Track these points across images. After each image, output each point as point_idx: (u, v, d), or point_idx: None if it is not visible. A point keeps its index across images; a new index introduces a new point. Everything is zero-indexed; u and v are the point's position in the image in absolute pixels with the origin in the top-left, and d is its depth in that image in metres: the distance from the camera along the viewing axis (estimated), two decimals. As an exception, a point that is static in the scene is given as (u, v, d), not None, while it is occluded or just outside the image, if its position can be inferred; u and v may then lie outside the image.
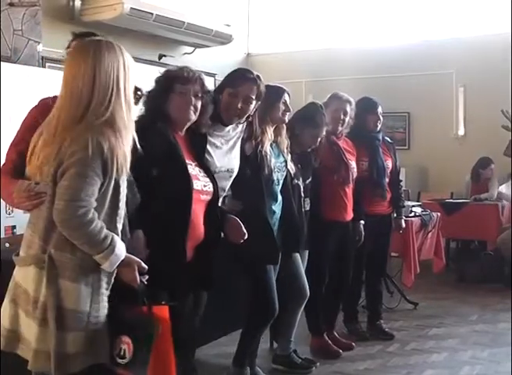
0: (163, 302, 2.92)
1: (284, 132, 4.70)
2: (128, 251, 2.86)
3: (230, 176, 4.13)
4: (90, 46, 2.86)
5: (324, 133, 5.12)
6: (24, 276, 2.81)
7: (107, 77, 2.77)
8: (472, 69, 10.10)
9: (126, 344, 2.80)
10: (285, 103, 4.61)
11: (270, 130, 4.52)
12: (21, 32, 7.45)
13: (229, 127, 4.16)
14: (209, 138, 3.98)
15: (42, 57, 7.76)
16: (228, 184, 4.13)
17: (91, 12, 8.71)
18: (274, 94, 4.56)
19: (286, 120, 4.67)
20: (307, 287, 4.99)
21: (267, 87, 4.47)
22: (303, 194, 4.99)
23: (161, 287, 3.23)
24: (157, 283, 3.07)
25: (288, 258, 4.74)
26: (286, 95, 4.65)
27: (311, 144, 5.08)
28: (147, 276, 2.92)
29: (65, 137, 2.71)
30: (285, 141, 4.72)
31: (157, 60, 9.68)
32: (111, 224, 2.79)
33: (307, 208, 5.07)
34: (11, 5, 7.31)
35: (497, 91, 9.77)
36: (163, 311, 2.88)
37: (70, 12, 8.73)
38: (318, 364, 5.19)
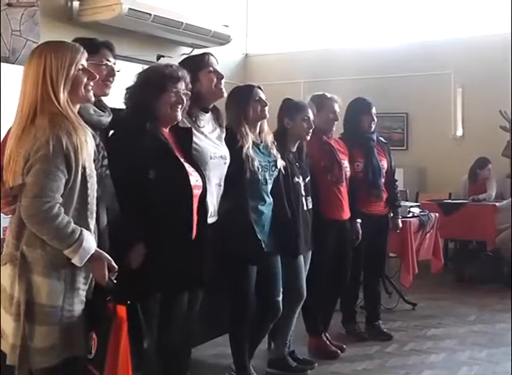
0: (128, 302, 2.95)
1: (266, 126, 4.66)
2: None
3: (225, 164, 4.12)
4: (36, 48, 2.95)
5: (312, 115, 5.10)
6: (2, 274, 2.88)
7: (51, 73, 2.83)
8: (470, 70, 10.11)
9: (93, 340, 2.88)
10: (258, 100, 4.53)
11: (250, 132, 4.48)
12: (19, 32, 7.45)
13: (209, 114, 4.16)
14: (197, 129, 4.00)
15: (40, 57, 7.74)
16: (223, 174, 4.10)
17: (89, 12, 8.70)
18: (243, 94, 4.52)
19: (266, 115, 4.60)
20: (305, 289, 4.98)
21: (236, 88, 4.49)
22: (304, 193, 4.98)
23: (157, 285, 3.25)
24: (153, 282, 3.08)
25: (288, 260, 4.74)
26: (257, 92, 4.57)
27: (307, 129, 5.01)
28: (115, 274, 2.94)
29: (24, 136, 2.80)
30: (269, 135, 4.67)
31: (155, 61, 9.66)
32: (81, 220, 2.84)
33: (310, 206, 5.05)
34: (9, 5, 7.31)
35: (495, 91, 9.78)
36: (121, 310, 2.90)
37: (68, 13, 8.73)
38: (315, 365, 5.17)
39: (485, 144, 9.69)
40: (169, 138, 3.62)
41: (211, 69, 4.13)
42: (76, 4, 8.77)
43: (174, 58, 9.99)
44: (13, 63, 7.22)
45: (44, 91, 2.81)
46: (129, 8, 8.59)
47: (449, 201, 9.44)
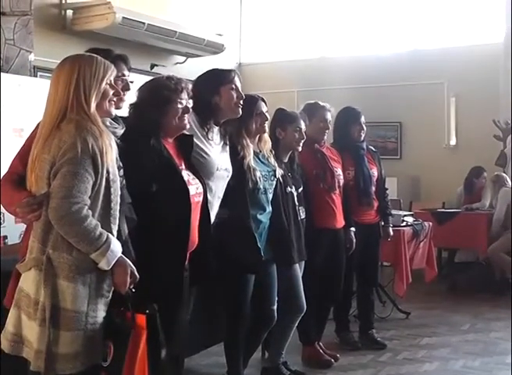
0: (147, 311, 2.94)
1: (265, 135, 4.65)
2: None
3: (227, 176, 4.13)
4: (67, 59, 3.00)
5: (304, 126, 5.10)
6: (25, 280, 2.88)
7: (85, 82, 2.89)
8: (464, 79, 10.14)
9: (108, 348, 2.87)
10: (260, 114, 4.52)
11: (251, 143, 4.48)
12: (13, 41, 7.44)
13: (218, 128, 4.17)
14: (207, 139, 4.02)
15: (34, 66, 7.75)
16: (224, 186, 4.11)
17: (83, 21, 8.72)
18: (246, 106, 4.38)
19: (266, 130, 4.61)
20: (304, 301, 4.95)
21: None
22: (297, 203, 4.97)
23: (158, 296, 3.24)
24: (152, 294, 3.08)
25: (284, 270, 4.74)
26: (260, 105, 4.54)
27: (299, 140, 5.02)
28: (132, 285, 2.95)
29: (49, 140, 2.83)
30: (267, 144, 4.67)
31: (149, 70, 9.68)
32: (104, 225, 2.86)
33: (303, 216, 5.05)
34: (2, 14, 7.30)
35: (489, 101, 9.80)
36: (140, 319, 2.90)
37: (62, 22, 8.76)
38: None
39: (478, 154, 9.71)
40: (171, 147, 3.64)
41: (234, 86, 4.15)
42: (69, 13, 8.80)
43: (168, 67, 10.04)
44: (7, 72, 7.21)
45: (75, 97, 2.86)
46: (123, 17, 8.62)
47: (443, 210, 9.45)
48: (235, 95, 4.14)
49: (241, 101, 4.16)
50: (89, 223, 2.76)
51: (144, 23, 8.91)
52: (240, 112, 4.18)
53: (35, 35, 7.73)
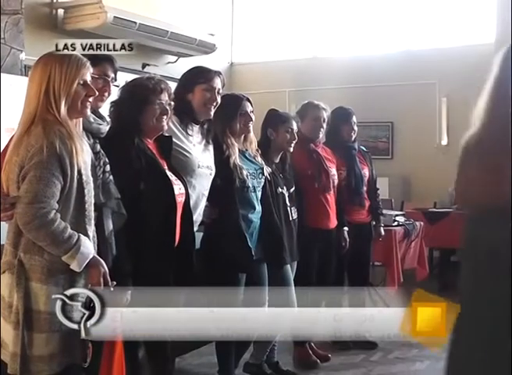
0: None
1: (250, 134, 4.64)
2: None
3: (210, 174, 4.13)
4: (41, 59, 3.00)
5: (295, 127, 5.09)
6: (1, 283, 2.88)
7: (54, 85, 2.87)
8: (455, 80, 10.13)
9: (88, 348, 2.87)
10: (244, 114, 4.50)
11: (236, 142, 4.47)
12: (3, 40, 7.42)
13: (198, 126, 4.16)
14: (186, 137, 4.04)
15: (25, 66, 7.72)
16: (208, 184, 4.10)
17: (74, 20, 8.70)
18: (231, 106, 4.43)
19: (250, 130, 4.59)
20: (294, 301, 4.94)
21: (223, 97, 4.35)
22: (288, 203, 4.96)
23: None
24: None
25: (274, 270, 4.72)
26: (244, 105, 4.53)
27: (290, 140, 5.02)
28: (115, 283, 2.94)
29: (20, 144, 2.84)
30: (253, 144, 4.67)
31: (140, 69, 9.66)
32: (79, 227, 2.86)
33: (295, 216, 5.04)
34: (-7, 12, 7.29)
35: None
36: None
37: (53, 21, 8.72)
38: None
39: (469, 154, 9.71)
40: (153, 148, 3.66)
41: (209, 87, 4.12)
42: (60, 12, 8.77)
43: (159, 66, 10.02)
44: (-3, 71, 7.19)
45: (45, 101, 2.86)
46: (114, 17, 8.59)
47: (434, 209, 9.45)
48: (207, 96, 4.10)
49: (213, 104, 4.13)
50: (56, 226, 2.75)
51: (135, 23, 8.89)
52: (211, 115, 4.15)
53: (26, 34, 7.72)
